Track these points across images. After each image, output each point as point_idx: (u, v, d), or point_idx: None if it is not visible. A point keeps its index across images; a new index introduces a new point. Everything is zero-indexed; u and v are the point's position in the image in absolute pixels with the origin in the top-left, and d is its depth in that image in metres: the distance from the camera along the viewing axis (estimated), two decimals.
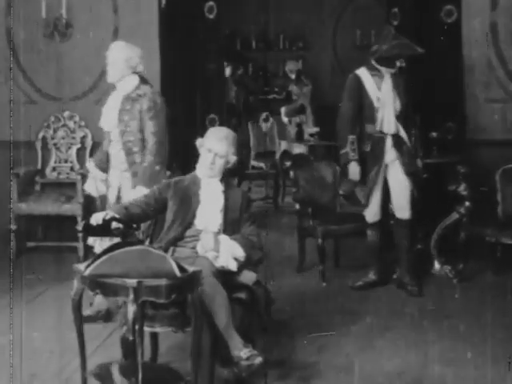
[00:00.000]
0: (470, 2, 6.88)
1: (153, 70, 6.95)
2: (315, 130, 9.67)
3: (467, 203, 6.06)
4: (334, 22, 12.31)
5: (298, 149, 9.56)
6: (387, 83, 5.74)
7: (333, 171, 6.76)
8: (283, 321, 5.05)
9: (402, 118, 5.78)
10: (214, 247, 4.04)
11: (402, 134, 5.79)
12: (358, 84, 5.78)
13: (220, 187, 4.31)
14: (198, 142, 4.34)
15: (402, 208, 5.81)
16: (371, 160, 5.81)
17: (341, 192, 6.25)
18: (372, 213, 5.85)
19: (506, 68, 6.90)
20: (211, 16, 7.10)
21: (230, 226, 4.24)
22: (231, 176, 5.49)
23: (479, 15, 6.86)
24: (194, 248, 4.15)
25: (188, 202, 4.26)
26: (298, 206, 6.52)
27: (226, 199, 4.29)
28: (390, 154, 5.77)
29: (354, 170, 5.77)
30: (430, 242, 6.22)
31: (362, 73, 5.80)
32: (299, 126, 9.77)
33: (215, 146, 4.26)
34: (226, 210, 4.27)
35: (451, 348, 4.73)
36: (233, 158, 4.31)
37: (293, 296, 5.57)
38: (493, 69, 6.89)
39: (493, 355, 4.53)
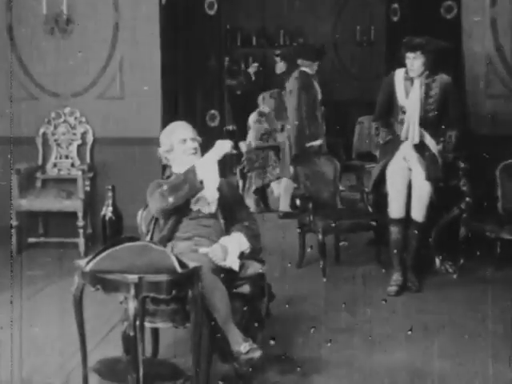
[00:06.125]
0: None
1: (153, 65, 6.96)
2: None
3: (467, 199, 6.06)
4: (334, 18, 12.30)
5: None
6: (415, 92, 5.66)
7: (333, 167, 6.76)
8: (283, 316, 5.05)
9: (430, 123, 5.71)
10: (224, 257, 4.02)
11: (428, 140, 5.72)
12: (390, 83, 5.79)
13: None
14: (162, 150, 4.27)
15: (417, 210, 5.75)
16: (382, 153, 5.88)
17: None
18: (395, 208, 5.79)
19: (506, 63, 6.90)
20: (212, 12, 7.09)
21: (228, 213, 4.24)
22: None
23: (479, 11, 6.85)
24: (190, 239, 4.13)
25: None
26: (298, 202, 6.52)
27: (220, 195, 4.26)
28: (413, 159, 5.72)
29: None
30: (430, 237, 6.21)
31: (398, 73, 5.77)
32: None
33: (186, 133, 4.25)
34: (220, 203, 4.25)
35: (452, 343, 4.74)
36: (199, 138, 4.30)
37: (293, 291, 5.57)
38: (493, 64, 6.89)
39: (494, 350, 4.54)
